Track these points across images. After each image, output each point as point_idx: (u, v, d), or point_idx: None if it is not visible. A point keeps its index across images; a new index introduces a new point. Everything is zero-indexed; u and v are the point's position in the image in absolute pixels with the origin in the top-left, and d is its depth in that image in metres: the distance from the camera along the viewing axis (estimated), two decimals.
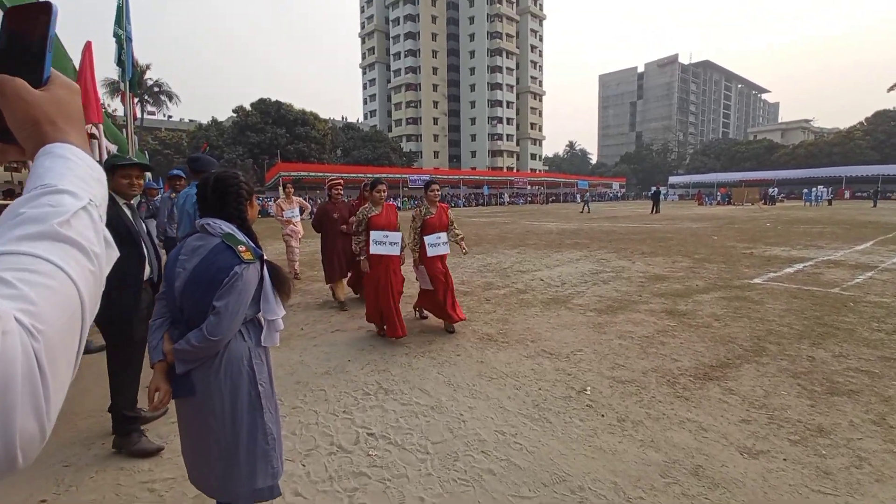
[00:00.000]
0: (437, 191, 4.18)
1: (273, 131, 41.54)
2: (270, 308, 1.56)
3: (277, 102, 43.15)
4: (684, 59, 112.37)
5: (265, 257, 1.57)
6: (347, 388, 3.15)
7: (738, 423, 2.56)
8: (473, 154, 74.43)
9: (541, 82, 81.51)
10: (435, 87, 73.13)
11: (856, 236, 11.71)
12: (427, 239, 4.10)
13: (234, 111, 42.81)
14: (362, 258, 4.01)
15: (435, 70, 72.87)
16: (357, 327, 4.60)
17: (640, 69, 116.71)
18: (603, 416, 2.68)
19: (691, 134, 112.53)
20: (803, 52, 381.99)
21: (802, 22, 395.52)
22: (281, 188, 7.97)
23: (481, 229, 15.38)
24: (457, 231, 4.41)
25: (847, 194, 45.58)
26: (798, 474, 2.11)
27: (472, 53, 73.14)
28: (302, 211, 7.28)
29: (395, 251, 3.94)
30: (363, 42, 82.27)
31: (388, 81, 77.21)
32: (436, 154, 72.68)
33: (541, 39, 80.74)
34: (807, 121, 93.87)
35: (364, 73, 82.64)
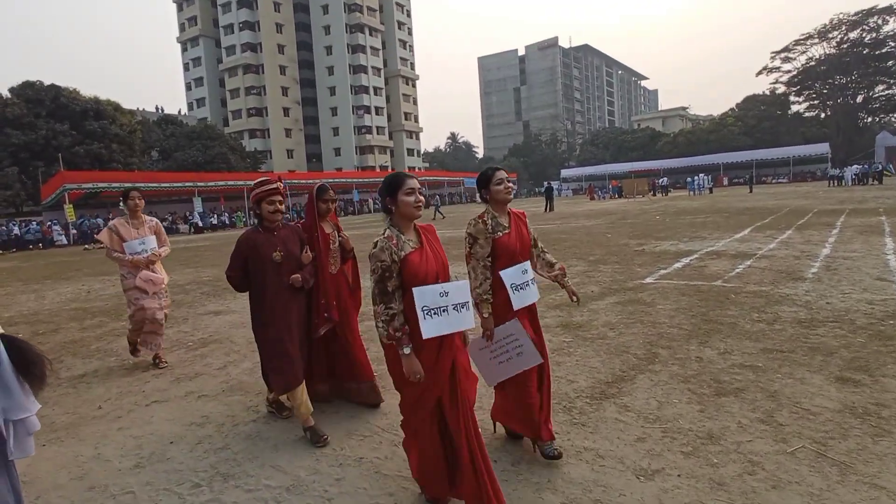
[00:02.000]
0: (510, 185, 2.77)
1: (49, 127, 36.38)
2: (15, 404, 1.31)
3: (54, 87, 37.99)
4: (564, 43, 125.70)
5: (2, 332, 1.32)
6: (168, 483, 2.81)
7: (633, 443, 2.86)
8: (337, 151, 73.75)
9: (413, 65, 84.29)
10: (283, 69, 71.03)
11: (735, 224, 14.15)
12: (506, 275, 2.63)
13: None
14: (406, 351, 2.17)
15: (281, 48, 70.83)
16: (185, 393, 4.16)
17: (521, 52, 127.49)
18: (496, 461, 2.78)
19: (579, 123, 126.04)
20: (675, 36, 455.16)
21: (668, 6, 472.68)
22: (122, 202, 4.94)
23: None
24: (546, 254, 2.94)
25: (725, 181, 55.02)
26: (693, 490, 2.41)
27: (328, 29, 72.80)
28: (159, 242, 5.00)
29: (467, 322, 2.28)
30: (180, 9, 76.55)
31: (220, 62, 72.95)
32: (290, 153, 70.40)
33: (408, 15, 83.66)
34: (684, 108, 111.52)
35: (184, 49, 76.90)
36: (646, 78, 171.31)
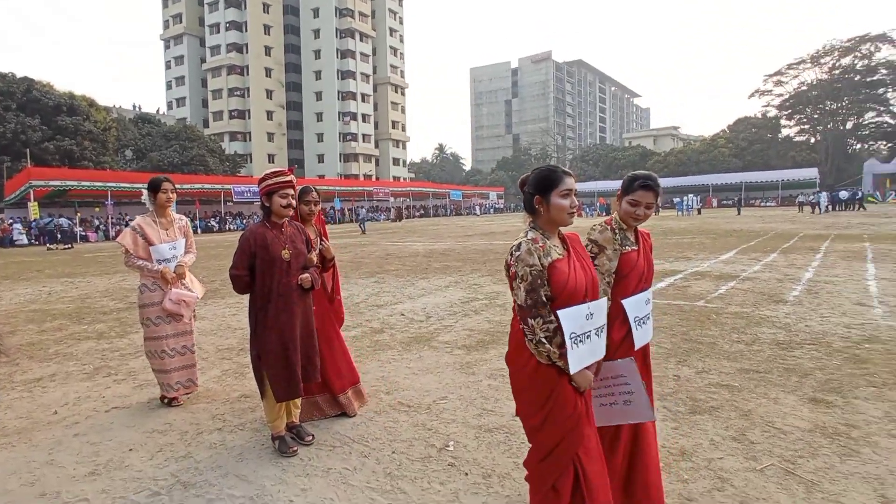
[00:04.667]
0: (648, 214, 2.31)
1: (18, 121, 35.83)
2: None
3: (26, 79, 37.53)
4: (558, 57, 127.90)
5: None
6: (125, 491, 2.79)
7: None
8: (321, 158, 73.71)
9: (403, 73, 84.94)
10: (268, 71, 71.11)
11: (721, 246, 14.45)
12: (630, 305, 2.24)
13: None
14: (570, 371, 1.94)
15: (268, 50, 70.98)
16: (147, 399, 4.12)
17: (514, 64, 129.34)
18: (467, 474, 2.82)
19: (570, 138, 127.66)
20: (667, 58, 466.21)
21: (663, 25, 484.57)
22: (147, 196, 4.08)
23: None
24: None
25: (714, 202, 56.10)
26: None
27: (317, 33, 73.18)
28: (186, 246, 4.22)
29: (601, 351, 2.06)
30: (165, 5, 76.37)
31: (203, 61, 72.83)
32: (271, 158, 70.23)
33: (401, 22, 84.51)
34: (675, 128, 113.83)
35: (167, 46, 76.65)
36: (638, 95, 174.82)
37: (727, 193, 58.45)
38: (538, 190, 1.99)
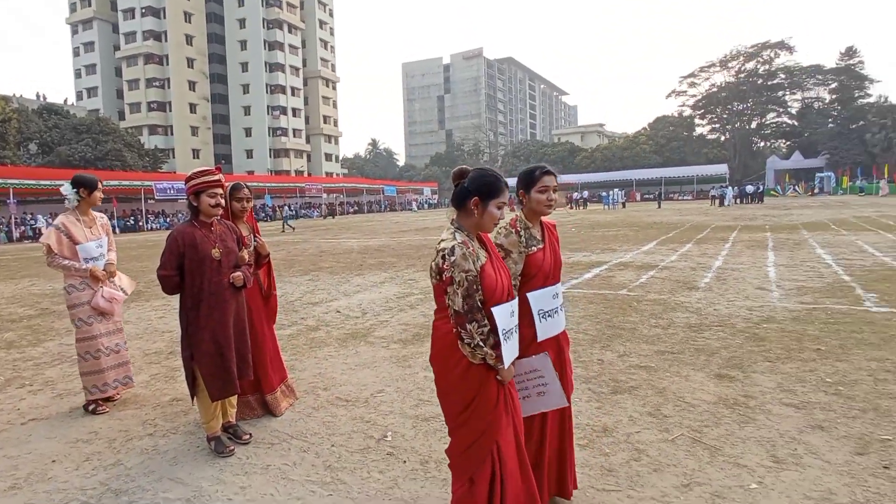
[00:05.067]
0: (554, 198, 2.39)
1: None
2: None
3: None
4: (489, 55, 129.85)
5: None
6: (50, 503, 2.68)
7: None
8: (250, 154, 71.13)
9: (334, 66, 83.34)
10: (190, 61, 67.67)
11: (643, 237, 15.34)
12: (534, 298, 2.29)
13: None
14: (503, 367, 1.98)
15: (189, 39, 67.50)
16: (69, 409, 3.92)
17: (446, 60, 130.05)
18: (405, 462, 2.92)
19: (502, 134, 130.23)
20: (591, 45, 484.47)
21: (587, 12, 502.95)
22: (70, 190, 3.87)
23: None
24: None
25: (638, 196, 59.18)
26: (585, 477, 2.68)
27: (243, 23, 70.35)
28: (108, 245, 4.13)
29: (517, 345, 2.13)
30: None
31: (117, 48, 68.07)
32: (196, 153, 66.94)
33: (331, 14, 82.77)
34: (601, 125, 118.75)
35: (75, 32, 70.97)
36: (566, 93, 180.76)
37: (649, 188, 61.80)
38: (479, 193, 2.00)
